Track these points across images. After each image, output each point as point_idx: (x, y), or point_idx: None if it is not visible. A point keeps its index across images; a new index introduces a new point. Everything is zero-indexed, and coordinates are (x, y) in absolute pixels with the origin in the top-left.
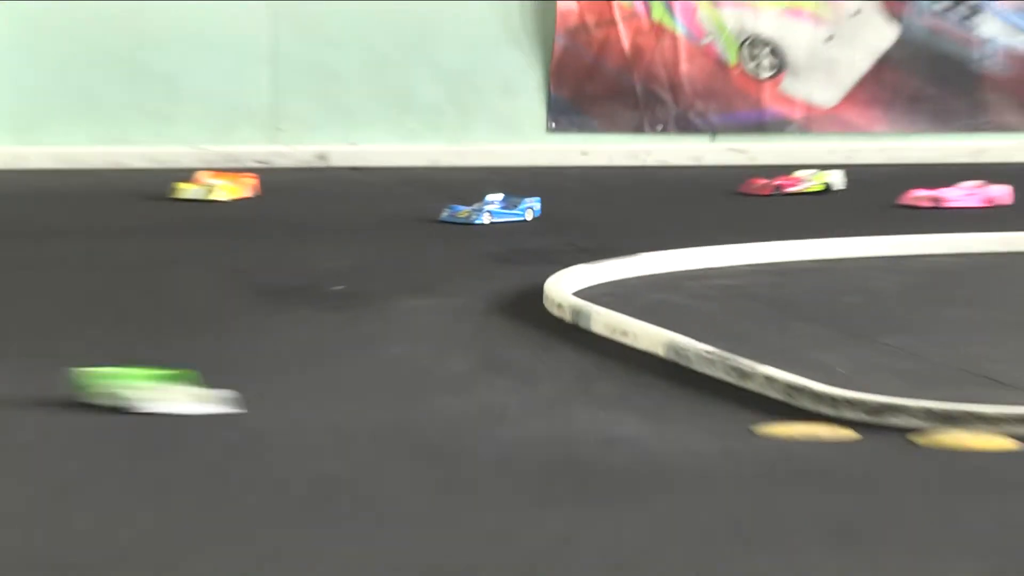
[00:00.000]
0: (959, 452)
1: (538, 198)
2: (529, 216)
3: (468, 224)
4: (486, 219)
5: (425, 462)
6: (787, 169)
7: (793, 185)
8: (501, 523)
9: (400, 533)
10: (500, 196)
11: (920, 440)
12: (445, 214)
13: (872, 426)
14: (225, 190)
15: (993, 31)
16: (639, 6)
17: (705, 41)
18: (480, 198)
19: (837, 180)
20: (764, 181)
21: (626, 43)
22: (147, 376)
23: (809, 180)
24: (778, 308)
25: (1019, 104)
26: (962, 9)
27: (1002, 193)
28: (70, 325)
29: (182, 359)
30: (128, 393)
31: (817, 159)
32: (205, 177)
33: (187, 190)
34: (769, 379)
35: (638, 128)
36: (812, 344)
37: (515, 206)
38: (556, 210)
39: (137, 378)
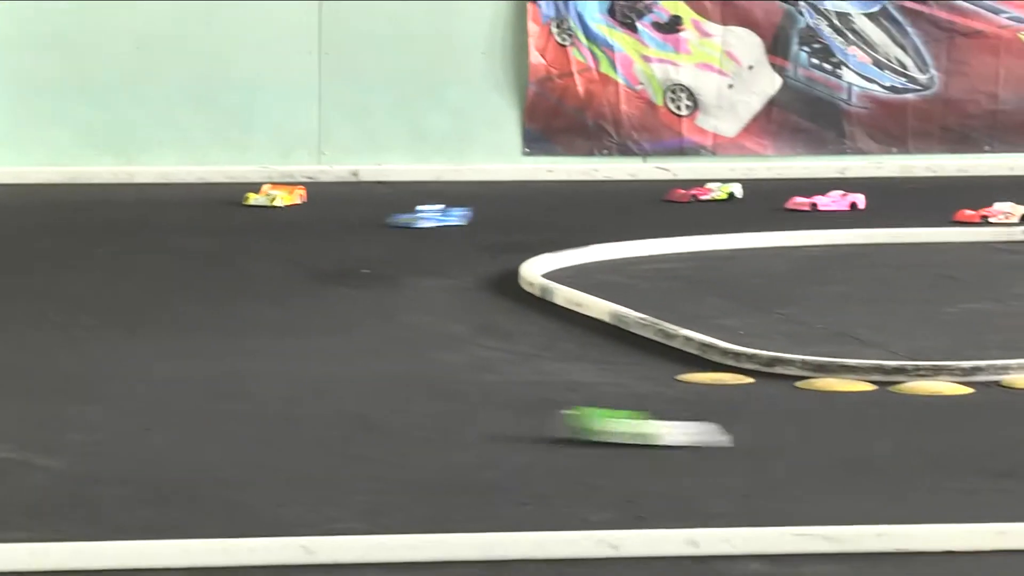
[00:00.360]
0: (830, 393)
1: (467, 209)
2: (458, 220)
3: (409, 228)
4: (423, 223)
5: (433, 400)
6: (700, 182)
7: (705, 194)
8: (490, 445)
9: (413, 451)
10: (439, 206)
11: (801, 384)
12: (396, 218)
13: (765, 374)
14: (283, 199)
15: (852, 79)
16: (591, 62)
17: (639, 88)
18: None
19: (737, 190)
20: (683, 191)
21: (581, 89)
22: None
23: (717, 190)
24: (695, 286)
25: (872, 133)
26: (829, 63)
27: (860, 200)
28: (172, 300)
29: (255, 324)
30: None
31: (722, 175)
32: (268, 189)
33: (255, 199)
34: (688, 339)
35: (590, 152)
36: (720, 313)
37: (447, 213)
38: (529, 213)
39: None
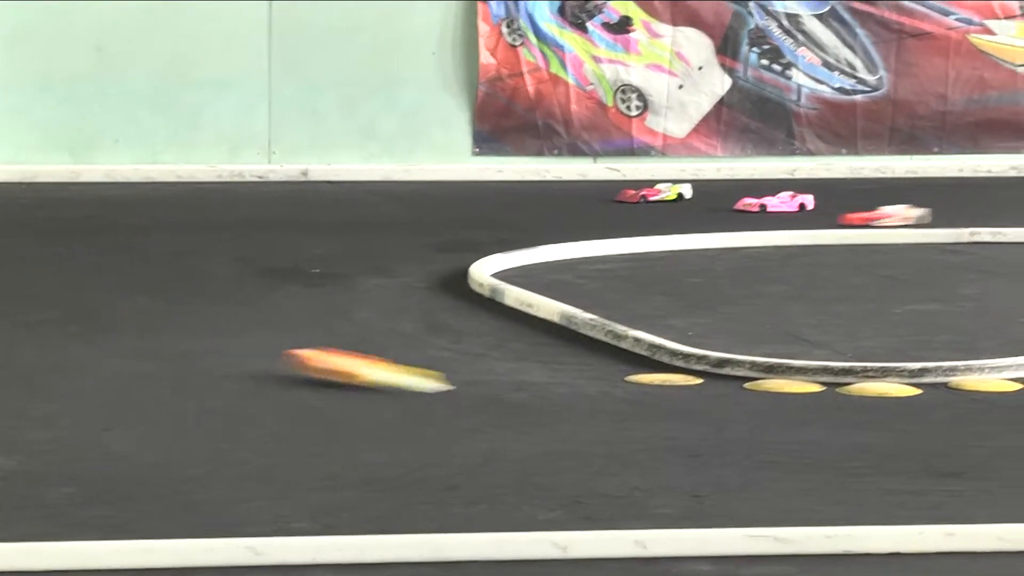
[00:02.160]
0: (779, 394)
1: None
2: None
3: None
4: None
5: (384, 399)
6: (650, 183)
7: (655, 195)
8: (440, 445)
9: (365, 449)
10: None
11: (750, 386)
12: None
13: (714, 375)
14: None
15: (801, 80)
16: (541, 62)
17: (589, 88)
18: (422, 204)
19: (687, 191)
20: (633, 192)
21: (531, 89)
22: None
23: (666, 191)
24: (643, 286)
25: (821, 135)
26: (778, 64)
27: (808, 200)
28: (127, 298)
29: (205, 322)
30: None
31: (672, 175)
32: None
33: None
34: (637, 340)
35: (540, 152)
36: (669, 314)
37: None
38: (479, 213)
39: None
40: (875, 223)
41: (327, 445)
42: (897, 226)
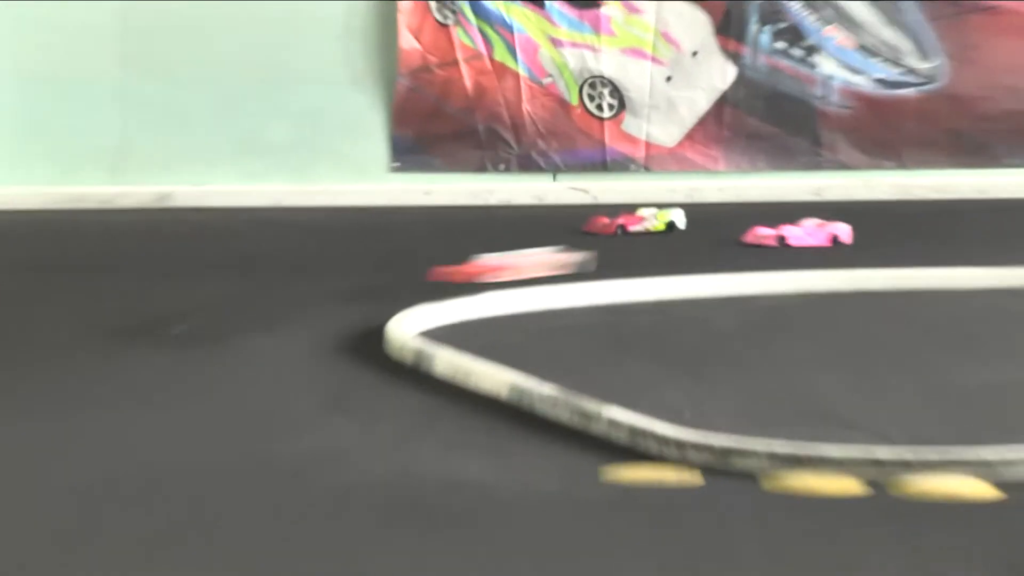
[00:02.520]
0: (806, 496)
1: None
2: None
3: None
4: None
5: (266, 503)
6: (630, 208)
7: (637, 223)
8: (343, 565)
9: (241, 568)
10: None
11: (767, 483)
12: None
13: (718, 470)
14: None
15: (831, 69)
16: (481, 46)
17: (547, 81)
18: (324, 236)
19: (679, 219)
20: (607, 220)
21: (469, 83)
22: None
23: (652, 219)
24: (622, 348)
25: (856, 142)
26: (799, 49)
27: (842, 231)
28: None
29: (34, 397)
30: None
31: (658, 198)
32: None
33: None
34: (613, 422)
35: (481, 167)
36: (657, 385)
37: None
38: (399, 249)
39: None
40: (479, 277)
41: (209, 561)
42: (525, 279)
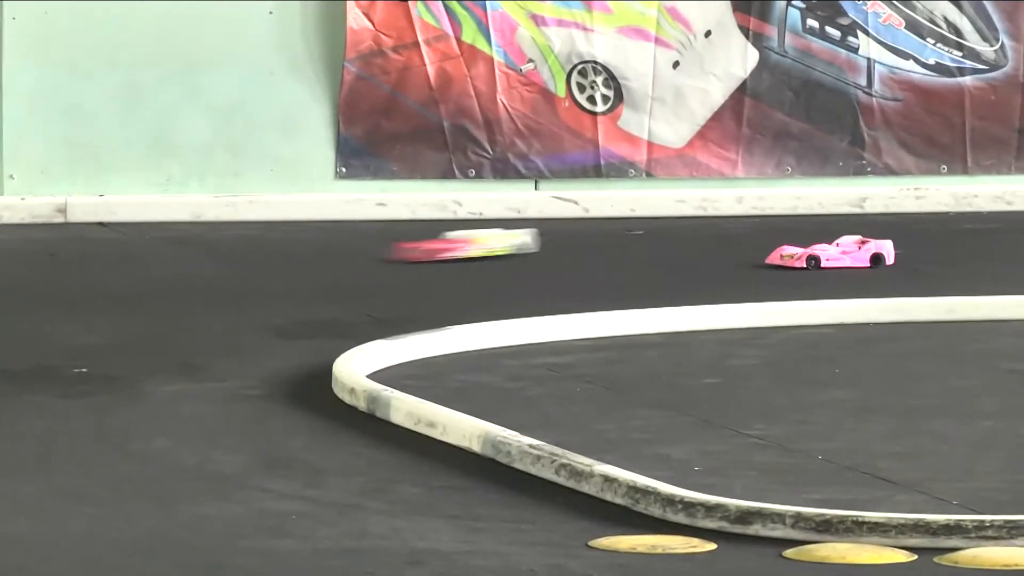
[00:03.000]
0: (840, 568)
1: None
2: None
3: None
4: None
5: None
6: (624, 222)
7: (454, 250)
8: None
9: None
10: None
11: (793, 554)
12: None
13: (736, 536)
14: None
15: (875, 53)
16: (447, 25)
17: (527, 67)
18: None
19: (525, 241)
20: (414, 245)
21: (431, 70)
22: None
23: (477, 245)
24: (617, 391)
25: (906, 141)
26: (836, 28)
27: (886, 249)
28: None
29: None
30: None
31: (663, 210)
32: None
33: None
34: (608, 480)
35: (446, 174)
36: (659, 435)
37: None
38: (348, 273)
39: None
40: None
41: None
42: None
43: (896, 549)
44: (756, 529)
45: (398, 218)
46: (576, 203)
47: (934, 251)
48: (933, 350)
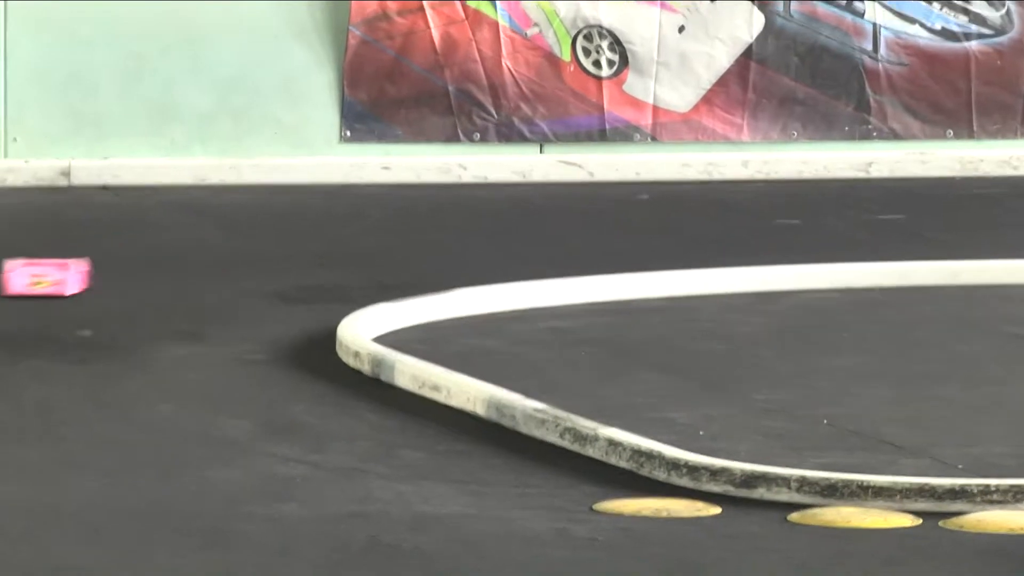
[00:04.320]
0: (847, 531)
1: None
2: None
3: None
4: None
5: (193, 549)
6: (620, 187)
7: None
8: None
9: None
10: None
11: (797, 517)
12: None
13: (740, 500)
14: None
15: (880, 17)
16: None
17: (532, 32)
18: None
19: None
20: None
21: (436, 34)
22: None
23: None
24: (622, 356)
25: (912, 106)
26: None
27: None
28: None
29: None
30: None
31: (668, 175)
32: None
33: None
34: (613, 443)
35: (451, 138)
36: (663, 399)
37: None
38: (352, 238)
39: None
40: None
41: None
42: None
43: (901, 513)
44: (761, 493)
45: (402, 182)
46: (581, 167)
47: (939, 216)
48: (938, 315)
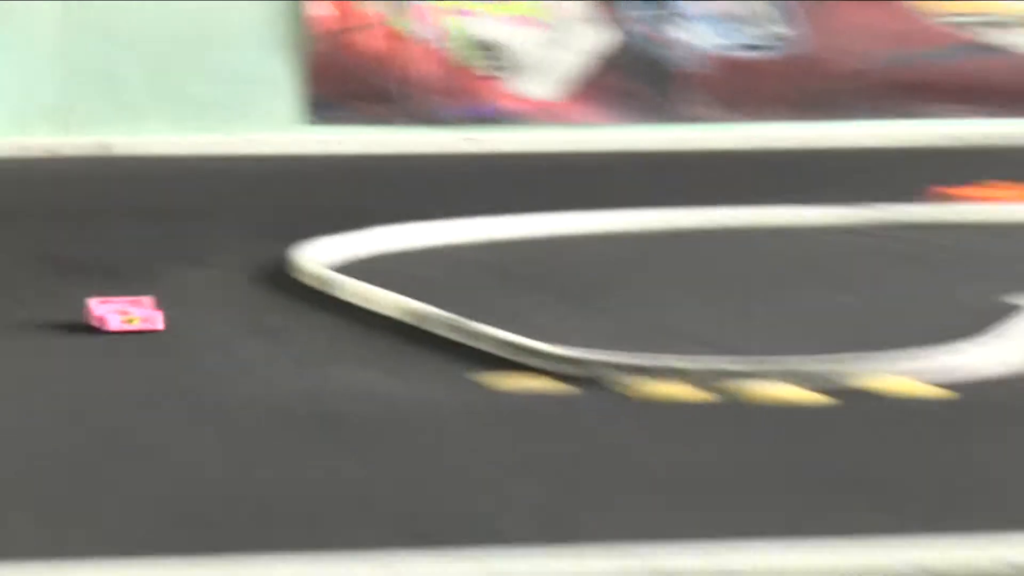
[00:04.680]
0: (657, 400)
1: None
2: None
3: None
4: None
5: (186, 413)
6: (516, 157)
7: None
8: (256, 463)
9: (167, 472)
10: None
11: (624, 390)
12: None
13: (584, 379)
14: None
15: (688, 35)
16: (386, 11)
17: (443, 45)
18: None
19: None
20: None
21: (378, 46)
22: None
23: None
24: (506, 278)
25: (712, 99)
26: (661, 15)
27: None
28: None
29: None
30: None
31: (543, 146)
32: None
33: None
34: (496, 339)
35: (391, 121)
36: (535, 309)
37: None
38: (312, 192)
39: None
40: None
41: (122, 468)
42: None
43: (699, 388)
44: (598, 374)
45: (353, 153)
46: (480, 142)
47: (732, 178)
48: (737, 248)
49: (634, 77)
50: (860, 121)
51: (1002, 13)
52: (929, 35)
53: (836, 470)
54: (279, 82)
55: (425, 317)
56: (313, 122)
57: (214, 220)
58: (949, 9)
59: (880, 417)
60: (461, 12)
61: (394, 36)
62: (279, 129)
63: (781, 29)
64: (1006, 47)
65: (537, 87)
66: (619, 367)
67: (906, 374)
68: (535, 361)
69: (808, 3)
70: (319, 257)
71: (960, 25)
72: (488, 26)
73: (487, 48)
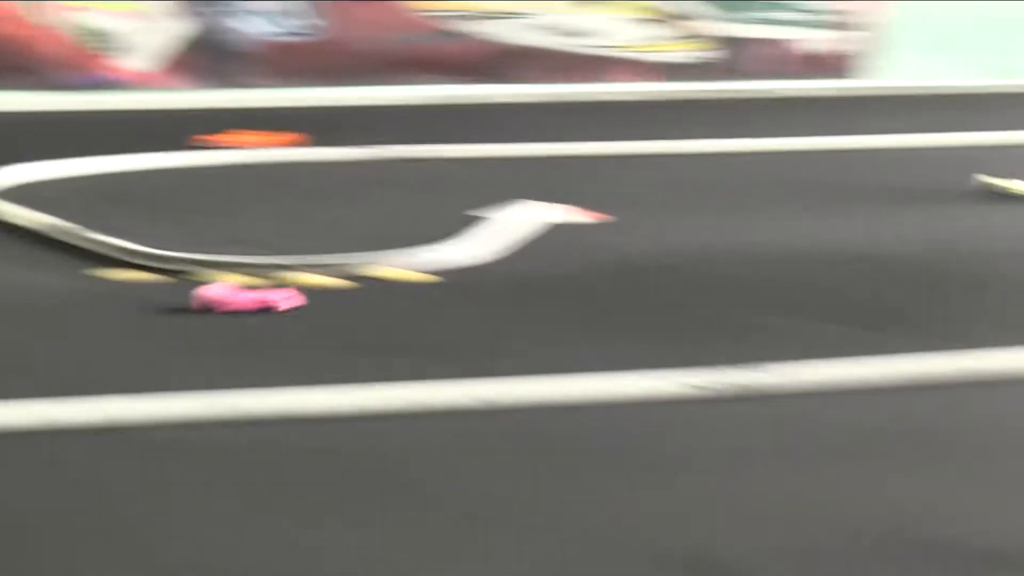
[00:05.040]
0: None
1: None
2: None
3: None
4: None
5: None
6: (125, 115)
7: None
8: None
9: None
10: None
11: (194, 279)
12: None
13: (176, 272)
14: None
15: (247, 25)
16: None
17: (68, 31)
18: None
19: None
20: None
21: (18, 33)
22: None
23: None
24: (117, 201)
25: (265, 70)
26: (227, 11)
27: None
28: None
29: None
30: None
31: (141, 106)
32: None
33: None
34: (108, 244)
35: (38, 86)
36: (140, 225)
37: None
38: None
39: None
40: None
41: None
42: None
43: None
44: (179, 268)
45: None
46: (100, 104)
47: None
48: (287, 179)
49: (208, 55)
50: (373, 87)
51: (466, 9)
52: (415, 24)
53: (359, 333)
54: None
55: (53, 228)
56: None
57: None
58: (430, 7)
59: (385, 294)
60: (82, 9)
61: (30, 26)
62: None
63: (315, 20)
64: (469, 33)
65: (137, 61)
66: (197, 263)
67: (402, 266)
68: (137, 260)
69: (332, 2)
70: None
71: (438, 17)
72: (101, 17)
73: (100, 33)
